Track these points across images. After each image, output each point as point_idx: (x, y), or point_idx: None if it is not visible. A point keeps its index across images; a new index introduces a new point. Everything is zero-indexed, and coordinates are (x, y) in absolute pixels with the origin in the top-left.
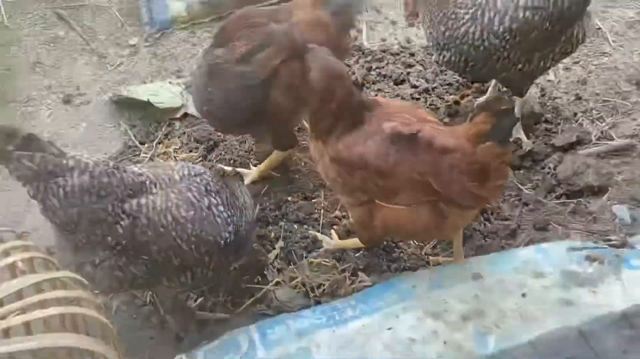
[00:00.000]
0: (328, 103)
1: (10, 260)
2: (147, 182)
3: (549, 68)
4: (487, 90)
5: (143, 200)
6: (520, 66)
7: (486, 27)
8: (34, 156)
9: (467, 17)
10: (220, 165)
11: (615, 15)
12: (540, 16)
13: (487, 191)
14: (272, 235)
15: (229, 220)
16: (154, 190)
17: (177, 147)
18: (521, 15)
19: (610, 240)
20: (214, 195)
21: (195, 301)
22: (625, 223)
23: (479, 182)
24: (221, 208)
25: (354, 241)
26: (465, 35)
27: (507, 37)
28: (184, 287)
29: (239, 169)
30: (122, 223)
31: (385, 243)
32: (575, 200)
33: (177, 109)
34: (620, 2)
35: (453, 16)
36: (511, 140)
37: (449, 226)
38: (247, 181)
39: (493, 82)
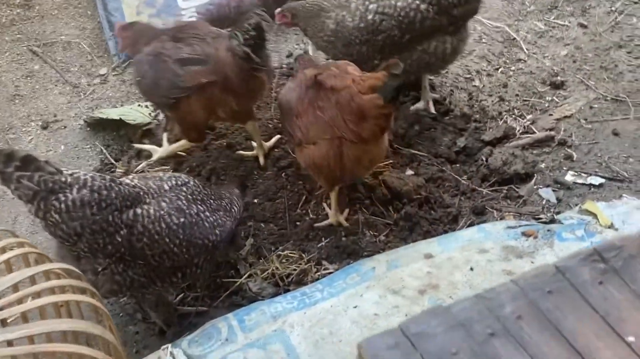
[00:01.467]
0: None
1: (6, 256)
2: (141, 193)
3: (414, 74)
4: (420, 96)
5: (139, 210)
6: (377, 62)
7: (340, 21)
8: (33, 176)
9: (329, 12)
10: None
11: (526, 27)
12: (389, 23)
13: (364, 131)
14: (242, 233)
15: (215, 223)
16: (147, 200)
17: (150, 162)
18: (370, 17)
19: (540, 219)
20: (199, 202)
21: (176, 297)
22: (552, 204)
23: (356, 120)
24: (207, 213)
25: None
26: (324, 25)
27: (356, 34)
28: (175, 286)
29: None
30: (121, 232)
31: (343, 234)
32: (506, 187)
33: (147, 125)
34: (530, 16)
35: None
36: (397, 99)
37: (349, 160)
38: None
39: (423, 86)
